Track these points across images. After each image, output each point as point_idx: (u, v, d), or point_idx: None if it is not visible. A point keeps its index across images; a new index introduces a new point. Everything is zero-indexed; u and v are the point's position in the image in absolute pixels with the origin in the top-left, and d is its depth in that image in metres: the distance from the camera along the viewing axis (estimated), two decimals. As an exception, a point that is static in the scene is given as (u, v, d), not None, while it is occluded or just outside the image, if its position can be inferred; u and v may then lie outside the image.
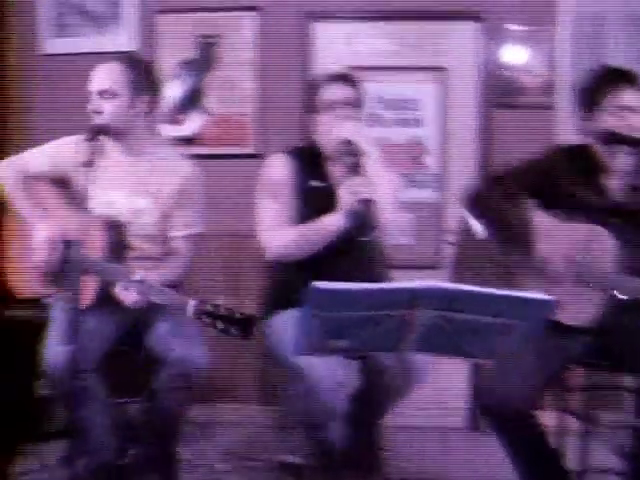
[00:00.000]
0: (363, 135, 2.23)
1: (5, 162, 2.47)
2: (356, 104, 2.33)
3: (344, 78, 2.36)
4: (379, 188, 2.17)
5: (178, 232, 2.37)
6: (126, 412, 2.55)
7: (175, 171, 2.36)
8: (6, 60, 3.22)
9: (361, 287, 1.52)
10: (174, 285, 2.23)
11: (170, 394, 2.21)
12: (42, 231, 2.33)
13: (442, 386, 2.44)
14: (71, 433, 2.22)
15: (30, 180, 2.41)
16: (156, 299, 2.08)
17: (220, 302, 1.96)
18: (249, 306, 3.21)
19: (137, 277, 2.09)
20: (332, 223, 2.22)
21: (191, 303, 1.96)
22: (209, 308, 1.93)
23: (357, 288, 1.51)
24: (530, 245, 2.23)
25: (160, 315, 2.29)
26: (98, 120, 2.23)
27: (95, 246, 2.20)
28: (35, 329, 2.33)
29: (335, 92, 2.32)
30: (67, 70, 3.19)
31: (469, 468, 2.88)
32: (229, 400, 3.38)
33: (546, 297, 1.55)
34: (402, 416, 2.36)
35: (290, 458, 2.89)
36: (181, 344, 2.19)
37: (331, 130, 2.29)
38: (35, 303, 2.77)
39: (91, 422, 2.20)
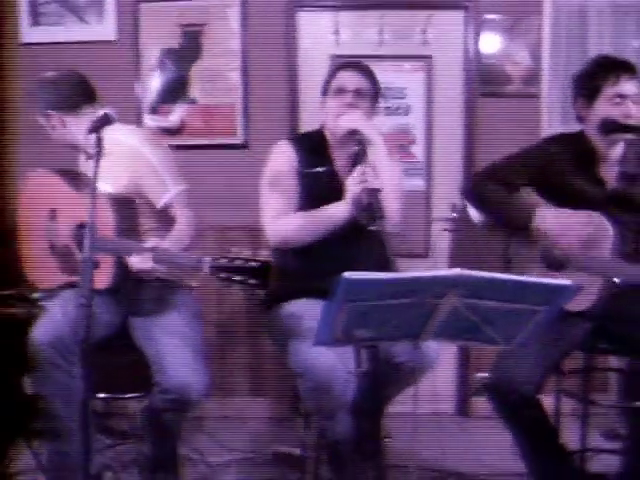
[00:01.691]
0: (370, 125, 2.23)
1: None
2: (367, 94, 2.33)
3: (359, 67, 2.36)
4: (384, 178, 2.18)
5: (159, 202, 2.32)
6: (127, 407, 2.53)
7: (124, 150, 2.28)
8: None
9: (392, 276, 1.53)
10: (187, 249, 2.20)
11: (166, 414, 2.17)
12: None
13: (433, 373, 2.46)
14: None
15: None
16: (172, 264, 2.05)
17: (232, 253, 1.89)
18: (239, 291, 3.25)
19: (150, 244, 2.06)
20: (338, 212, 2.22)
21: (206, 260, 1.89)
22: (224, 262, 1.87)
23: (388, 277, 1.52)
24: (531, 232, 2.26)
25: (159, 308, 2.27)
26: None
27: (107, 226, 2.16)
28: (23, 325, 2.28)
29: (346, 79, 2.31)
30: (47, 60, 3.10)
31: (460, 453, 2.92)
32: (224, 394, 3.36)
33: (568, 283, 1.57)
34: (394, 404, 2.38)
35: (288, 449, 2.89)
36: (179, 361, 2.13)
37: (337, 115, 2.28)
38: (20, 299, 2.72)
39: (71, 420, 2.14)
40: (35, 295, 2.69)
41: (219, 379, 3.32)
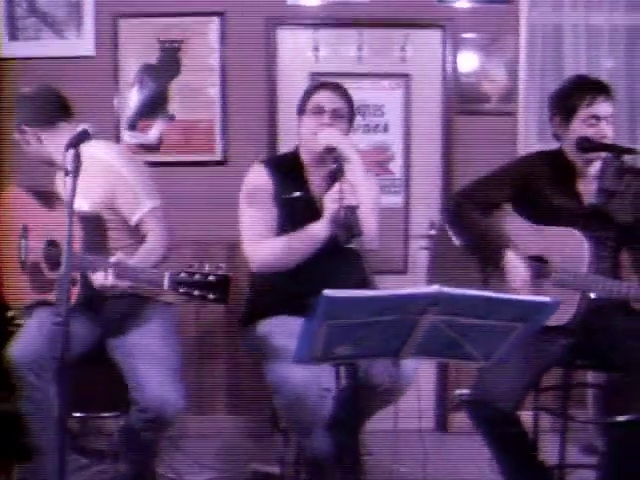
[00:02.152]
0: (347, 142, 2.24)
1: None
2: (343, 115, 2.35)
3: (336, 87, 2.38)
4: (362, 194, 2.18)
5: (132, 219, 2.31)
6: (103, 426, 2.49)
7: (97, 164, 2.26)
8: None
9: (372, 294, 1.53)
10: (157, 265, 2.18)
11: (144, 432, 2.16)
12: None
13: (412, 389, 2.47)
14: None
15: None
16: (134, 279, 2.01)
17: (194, 267, 1.86)
18: (218, 308, 3.23)
19: (113, 259, 2.04)
20: (317, 231, 2.22)
21: (166, 275, 1.87)
22: (183, 276, 1.84)
23: (368, 295, 1.52)
24: (500, 256, 2.28)
25: (135, 324, 2.25)
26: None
27: (74, 243, 2.13)
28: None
29: (324, 99, 2.33)
30: (25, 75, 3.08)
31: (440, 468, 2.92)
32: (199, 411, 3.33)
33: (547, 300, 1.59)
34: (374, 420, 2.37)
35: (264, 467, 2.87)
36: (155, 379, 2.12)
37: (313, 134, 2.29)
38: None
39: (47, 438, 2.12)
40: (10, 313, 2.65)
41: (197, 396, 3.30)
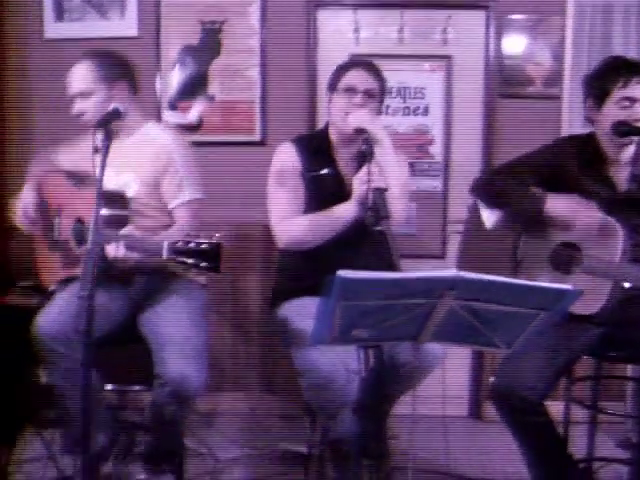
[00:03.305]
0: (377, 124, 2.22)
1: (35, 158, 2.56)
2: (374, 94, 2.32)
3: (369, 66, 2.36)
4: (391, 177, 2.17)
5: (171, 203, 2.37)
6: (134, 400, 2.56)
7: (152, 144, 2.36)
8: (9, 45, 3.16)
9: (388, 276, 1.51)
10: None
11: (167, 407, 2.19)
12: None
13: (445, 375, 2.44)
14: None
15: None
16: (140, 250, 2.03)
17: (191, 237, 1.85)
18: (254, 288, 3.26)
19: (122, 231, 2.08)
20: (345, 212, 2.22)
21: (165, 244, 1.86)
22: (179, 245, 1.84)
23: (383, 277, 1.51)
24: (542, 230, 2.22)
25: (163, 300, 2.30)
26: (83, 121, 2.31)
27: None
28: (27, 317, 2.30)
29: (357, 78, 2.31)
30: (70, 55, 3.14)
31: (471, 456, 2.90)
32: (233, 389, 3.38)
33: (569, 287, 1.55)
34: (405, 405, 2.36)
35: (295, 447, 2.90)
36: (178, 354, 2.14)
37: (344, 114, 2.28)
38: (34, 290, 2.76)
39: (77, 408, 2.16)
40: (52, 287, 2.73)
41: (231, 374, 3.35)
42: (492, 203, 2.35)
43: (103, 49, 2.47)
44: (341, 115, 2.30)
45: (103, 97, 2.32)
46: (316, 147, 2.39)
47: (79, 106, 2.34)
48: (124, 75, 2.39)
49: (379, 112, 2.38)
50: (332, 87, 2.37)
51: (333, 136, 2.40)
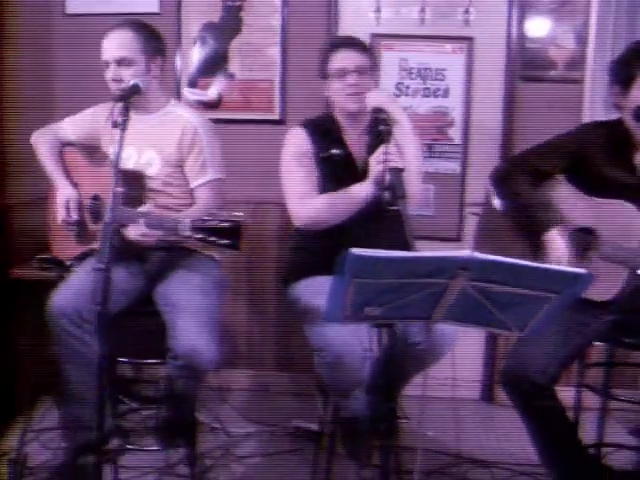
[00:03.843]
0: (395, 104, 2.22)
1: (42, 130, 2.56)
2: (367, 70, 2.33)
3: (353, 45, 2.36)
4: (408, 157, 2.17)
5: (193, 182, 2.39)
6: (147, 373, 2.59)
7: (177, 123, 2.38)
8: (29, 20, 3.18)
9: (401, 255, 1.52)
10: None
11: (180, 380, 2.22)
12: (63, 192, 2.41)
13: (457, 357, 2.45)
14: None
15: (62, 147, 2.53)
16: (160, 228, 2.04)
17: (212, 215, 1.88)
18: (269, 266, 3.28)
19: (142, 209, 2.10)
20: (362, 191, 2.22)
21: (185, 222, 1.89)
22: (199, 224, 1.86)
23: (395, 255, 1.51)
24: (544, 230, 2.21)
25: (177, 275, 2.32)
26: (117, 88, 2.27)
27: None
28: (46, 289, 2.32)
29: (345, 60, 2.32)
30: (90, 31, 3.15)
31: (482, 439, 2.91)
32: (247, 366, 3.41)
33: (582, 271, 1.54)
34: (416, 386, 2.37)
35: (307, 425, 2.93)
36: (190, 328, 2.15)
37: (347, 95, 2.31)
38: (56, 263, 2.79)
39: (82, 385, 2.19)
40: (68, 262, 2.76)
41: (247, 351, 3.38)
42: (506, 199, 2.34)
43: (143, 21, 2.45)
44: (343, 96, 2.33)
45: (143, 69, 2.33)
46: (324, 129, 2.42)
47: (118, 72, 2.30)
48: (161, 51, 2.41)
49: (375, 84, 2.40)
50: (324, 74, 2.39)
51: (339, 117, 2.43)
